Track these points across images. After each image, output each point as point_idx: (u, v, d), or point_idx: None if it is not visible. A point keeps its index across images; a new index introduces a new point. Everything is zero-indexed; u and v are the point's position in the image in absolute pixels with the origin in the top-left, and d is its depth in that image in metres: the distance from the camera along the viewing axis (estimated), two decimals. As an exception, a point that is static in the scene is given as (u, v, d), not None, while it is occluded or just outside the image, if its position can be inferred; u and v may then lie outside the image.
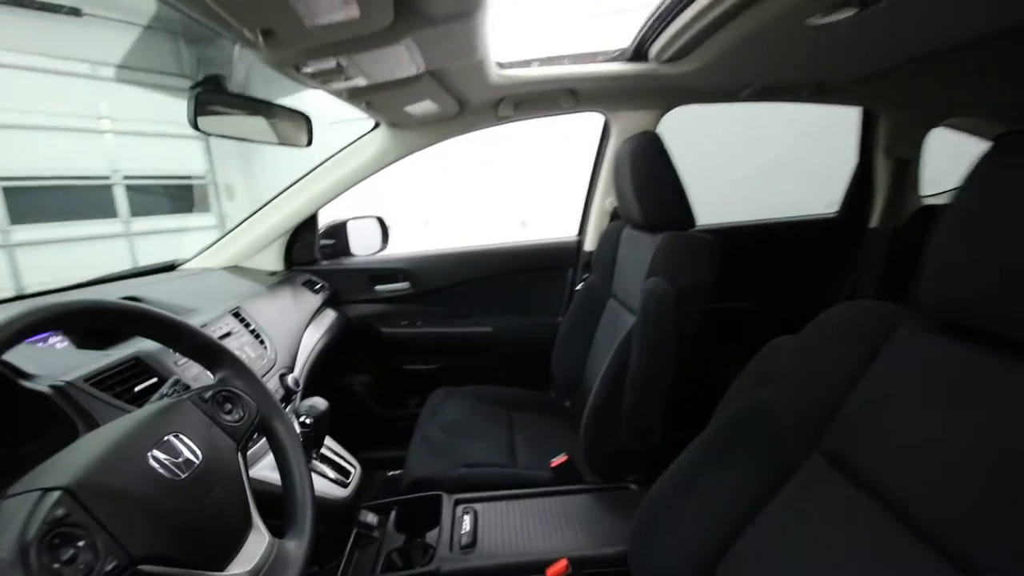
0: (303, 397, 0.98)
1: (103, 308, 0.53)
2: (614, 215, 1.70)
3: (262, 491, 0.64)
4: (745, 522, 0.62)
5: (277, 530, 0.62)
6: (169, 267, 1.53)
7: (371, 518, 1.08)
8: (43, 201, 4.46)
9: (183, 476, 0.51)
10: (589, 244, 1.75)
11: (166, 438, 0.52)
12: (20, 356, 0.70)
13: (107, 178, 5.04)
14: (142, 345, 0.82)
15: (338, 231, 1.81)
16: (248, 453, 0.70)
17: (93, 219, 4.90)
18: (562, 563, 0.88)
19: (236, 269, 1.56)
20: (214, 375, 0.68)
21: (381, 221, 1.91)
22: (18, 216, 4.28)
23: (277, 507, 0.88)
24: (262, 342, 1.10)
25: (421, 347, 1.79)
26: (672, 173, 1.16)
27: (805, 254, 1.86)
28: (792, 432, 0.60)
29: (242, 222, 1.61)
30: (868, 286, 1.77)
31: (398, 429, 1.62)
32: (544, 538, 0.99)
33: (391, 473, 1.74)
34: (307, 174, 1.58)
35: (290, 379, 1.04)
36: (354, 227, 1.84)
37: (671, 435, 1.18)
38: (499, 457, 1.26)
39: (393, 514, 1.10)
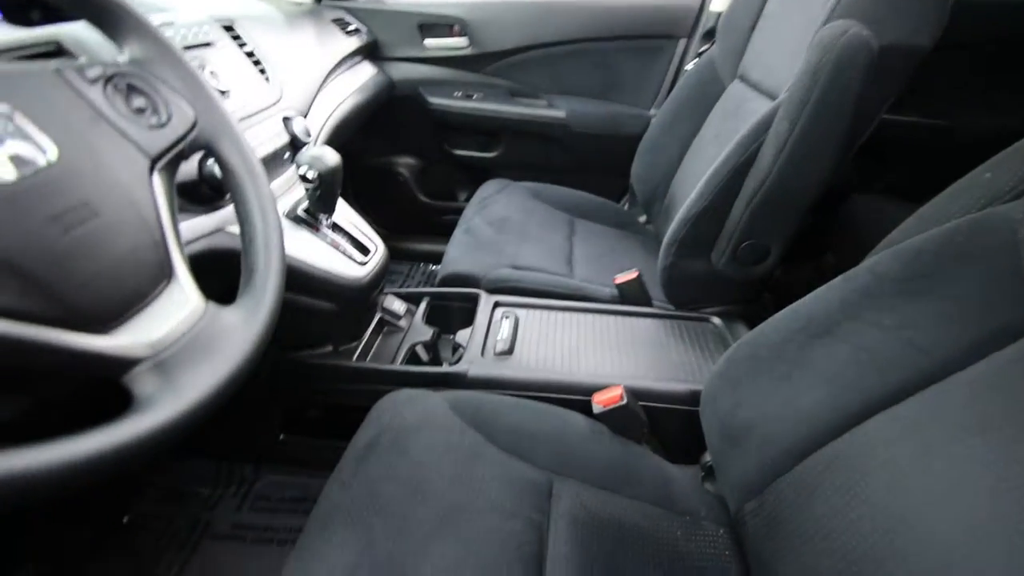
0: None
1: None
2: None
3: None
4: (907, 391, 0.42)
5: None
6: None
7: (398, 305, 0.93)
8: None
9: (10, 179, 0.29)
10: (719, 1, 1.25)
11: None
12: None
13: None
14: (77, 27, 0.57)
15: (380, -45, 1.37)
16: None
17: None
18: (616, 390, 0.70)
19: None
20: (120, 50, 0.43)
21: (438, -51, 1.43)
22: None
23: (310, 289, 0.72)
24: (263, 71, 0.83)
25: (476, 128, 1.48)
26: None
27: None
28: None
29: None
30: None
31: (444, 222, 1.43)
32: (596, 360, 0.81)
33: (433, 267, 1.61)
34: None
35: (297, 124, 0.79)
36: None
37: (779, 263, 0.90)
38: (554, 264, 1.04)
39: (423, 305, 0.95)
